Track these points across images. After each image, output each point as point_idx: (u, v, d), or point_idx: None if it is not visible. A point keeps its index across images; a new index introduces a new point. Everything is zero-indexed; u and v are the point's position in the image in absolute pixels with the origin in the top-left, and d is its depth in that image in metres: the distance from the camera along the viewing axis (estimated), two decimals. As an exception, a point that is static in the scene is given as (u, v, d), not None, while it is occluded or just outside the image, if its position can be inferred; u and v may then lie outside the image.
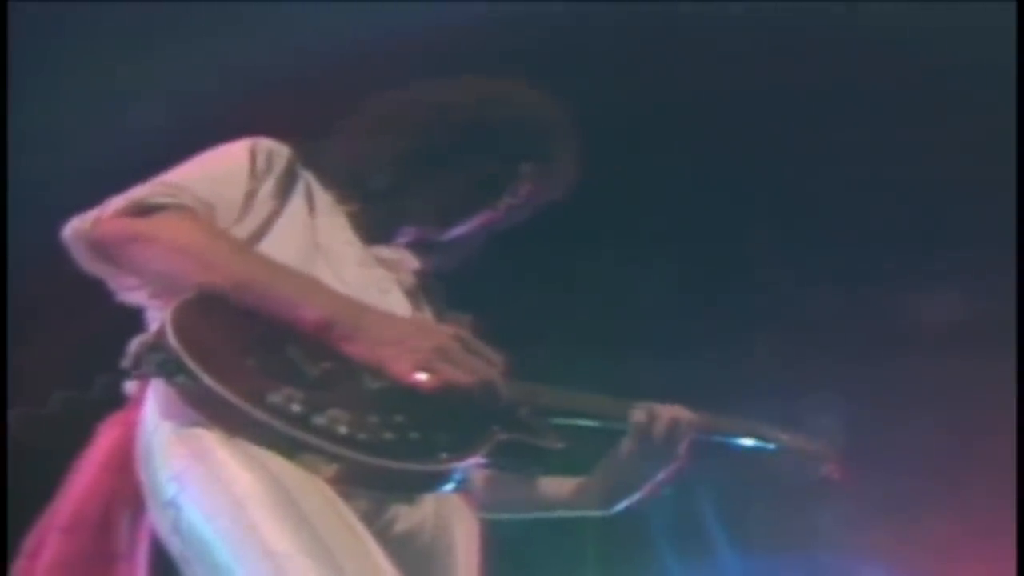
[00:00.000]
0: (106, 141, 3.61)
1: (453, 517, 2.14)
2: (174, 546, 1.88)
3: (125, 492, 1.96)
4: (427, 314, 2.35)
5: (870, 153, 4.19)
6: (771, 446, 2.71)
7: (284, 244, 2.14)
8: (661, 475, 2.49)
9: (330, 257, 2.19)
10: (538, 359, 2.18)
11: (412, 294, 2.34)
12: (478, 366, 2.00)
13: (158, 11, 3.54)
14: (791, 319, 4.47)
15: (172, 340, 1.87)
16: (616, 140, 2.41)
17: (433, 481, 1.99)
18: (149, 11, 3.54)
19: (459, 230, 2.43)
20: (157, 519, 1.92)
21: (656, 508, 4.53)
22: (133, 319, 2.18)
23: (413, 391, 1.96)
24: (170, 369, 1.87)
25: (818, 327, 4.44)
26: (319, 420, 1.86)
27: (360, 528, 1.87)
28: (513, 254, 2.51)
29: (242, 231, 2.14)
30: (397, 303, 2.26)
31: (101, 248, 2.08)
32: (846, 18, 3.81)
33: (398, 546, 1.97)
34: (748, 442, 2.69)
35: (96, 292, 2.18)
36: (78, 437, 2.06)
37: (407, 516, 2.05)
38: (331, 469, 1.87)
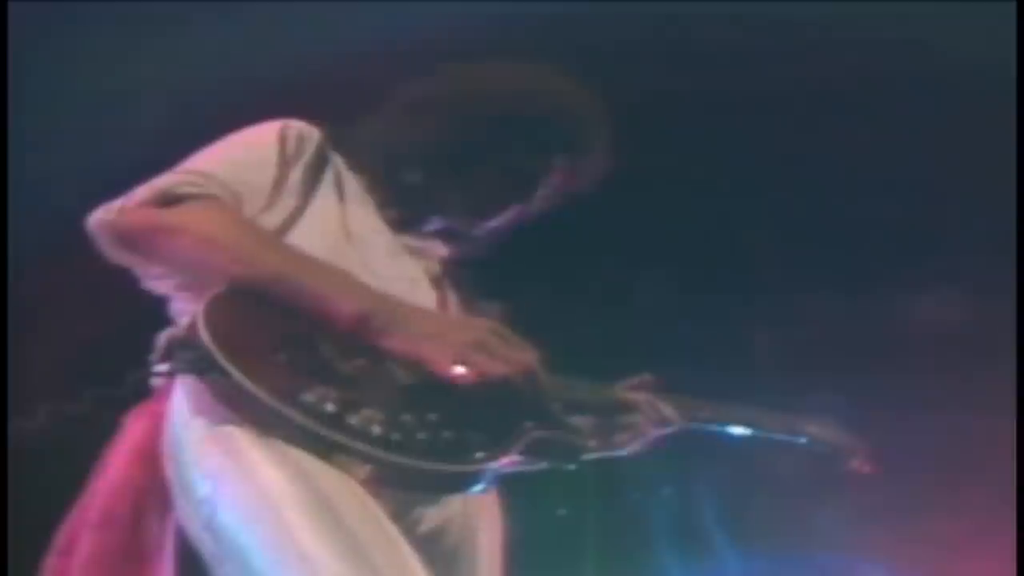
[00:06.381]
0: (106, 140, 3.60)
1: (479, 517, 2.13)
2: (205, 544, 1.86)
3: (154, 488, 1.94)
4: (453, 303, 2.31)
5: (871, 154, 4.19)
6: (802, 439, 2.68)
7: (314, 233, 2.10)
8: None
9: (360, 246, 2.15)
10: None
11: (438, 283, 2.30)
12: (517, 358, 1.98)
13: (158, 10, 3.54)
14: (791, 321, 4.47)
15: (205, 338, 1.84)
16: (617, 140, 2.40)
17: (467, 481, 1.98)
18: (149, 10, 3.53)
19: (491, 223, 2.35)
20: (187, 516, 1.90)
21: (656, 507, 4.57)
22: (134, 318, 2.17)
23: (445, 388, 1.94)
24: (202, 367, 1.85)
25: (818, 329, 4.44)
26: (353, 420, 1.84)
27: (395, 532, 1.86)
28: (511, 253, 2.49)
29: (270, 220, 2.09)
30: (425, 294, 2.22)
31: (127, 239, 2.04)
32: (845, 19, 3.81)
33: (424, 545, 1.95)
34: (777, 436, 2.66)
35: (97, 291, 2.17)
36: (110, 434, 2.04)
37: (434, 515, 2.04)
38: (365, 470, 1.86)
